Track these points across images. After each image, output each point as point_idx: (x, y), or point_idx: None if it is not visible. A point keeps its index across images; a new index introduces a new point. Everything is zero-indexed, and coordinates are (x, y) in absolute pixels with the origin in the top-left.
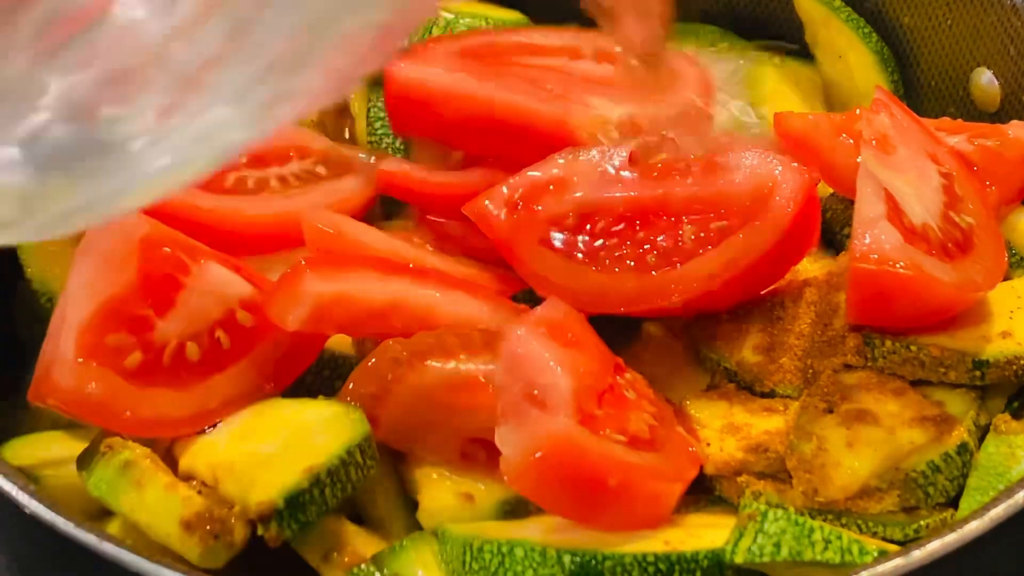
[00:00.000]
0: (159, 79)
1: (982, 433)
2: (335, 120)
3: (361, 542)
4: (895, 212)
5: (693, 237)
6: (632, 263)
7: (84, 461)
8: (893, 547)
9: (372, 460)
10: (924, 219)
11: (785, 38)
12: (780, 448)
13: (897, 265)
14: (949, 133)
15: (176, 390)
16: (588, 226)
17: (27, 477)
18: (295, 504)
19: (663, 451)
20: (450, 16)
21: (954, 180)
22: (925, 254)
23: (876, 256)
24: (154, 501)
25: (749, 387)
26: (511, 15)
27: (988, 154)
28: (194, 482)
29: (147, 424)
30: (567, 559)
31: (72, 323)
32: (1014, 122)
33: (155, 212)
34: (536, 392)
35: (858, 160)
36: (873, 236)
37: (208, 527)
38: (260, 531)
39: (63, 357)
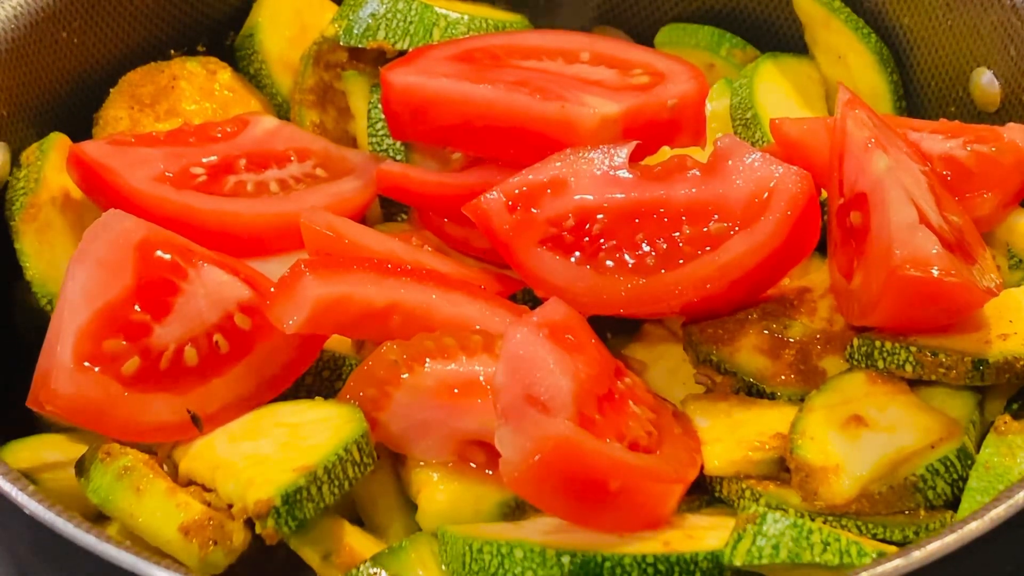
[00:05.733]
0: None
1: (982, 434)
2: (335, 120)
3: (360, 543)
4: (922, 215)
5: (692, 240)
6: (631, 265)
7: (82, 467)
8: (892, 548)
9: (370, 458)
10: (938, 221)
11: (785, 38)
12: (780, 450)
13: (943, 272)
14: (945, 136)
15: (175, 395)
16: (587, 227)
17: (26, 479)
18: (292, 502)
19: (662, 453)
20: (452, 17)
21: (932, 178)
22: (959, 259)
23: (921, 263)
24: (153, 507)
25: (749, 388)
26: (512, 17)
27: (984, 159)
28: (192, 488)
29: (146, 430)
30: (566, 560)
31: (69, 330)
32: (1010, 125)
33: (154, 215)
34: (536, 394)
35: (877, 164)
36: (915, 242)
37: (207, 533)
38: (258, 528)
39: (61, 364)
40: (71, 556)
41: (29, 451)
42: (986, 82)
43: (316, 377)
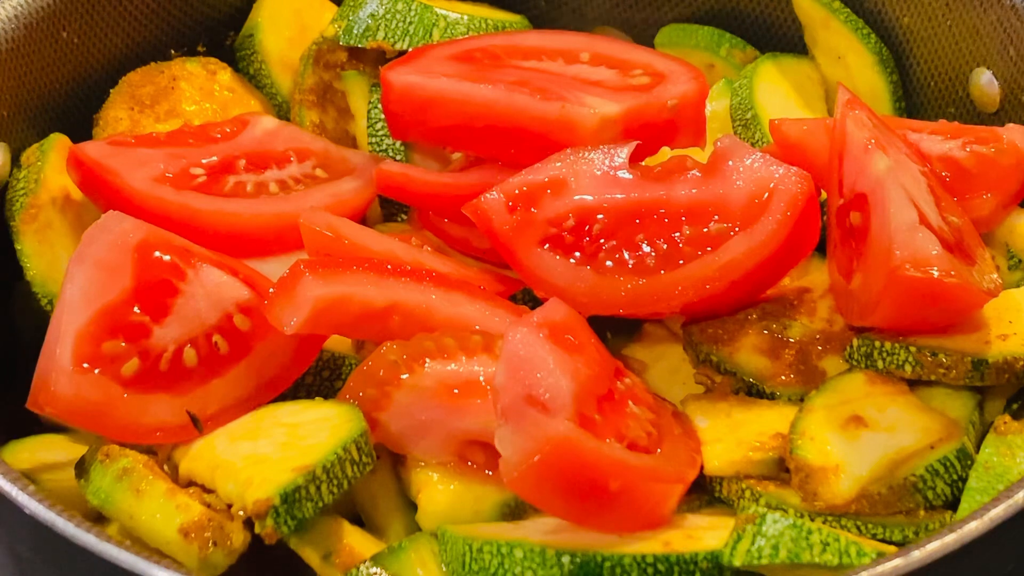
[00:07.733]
0: None
1: (982, 434)
2: (335, 120)
3: (360, 543)
4: (922, 216)
5: (692, 240)
6: (631, 265)
7: (82, 469)
8: (892, 548)
9: (369, 457)
10: (937, 222)
11: (784, 39)
12: (779, 450)
13: (943, 272)
14: (945, 137)
15: (174, 396)
16: (587, 227)
17: (26, 479)
18: (291, 501)
19: (662, 453)
20: (452, 18)
21: (931, 178)
22: (959, 260)
23: (921, 263)
24: (152, 509)
25: (749, 388)
26: (512, 17)
27: (983, 160)
28: (192, 489)
29: (146, 431)
30: (566, 560)
31: (68, 331)
32: (1009, 125)
33: (154, 216)
34: (536, 394)
35: (877, 165)
36: (915, 243)
37: (207, 534)
38: (257, 528)
39: (60, 366)
40: (71, 556)
41: (29, 451)
42: (986, 82)
43: (316, 377)
